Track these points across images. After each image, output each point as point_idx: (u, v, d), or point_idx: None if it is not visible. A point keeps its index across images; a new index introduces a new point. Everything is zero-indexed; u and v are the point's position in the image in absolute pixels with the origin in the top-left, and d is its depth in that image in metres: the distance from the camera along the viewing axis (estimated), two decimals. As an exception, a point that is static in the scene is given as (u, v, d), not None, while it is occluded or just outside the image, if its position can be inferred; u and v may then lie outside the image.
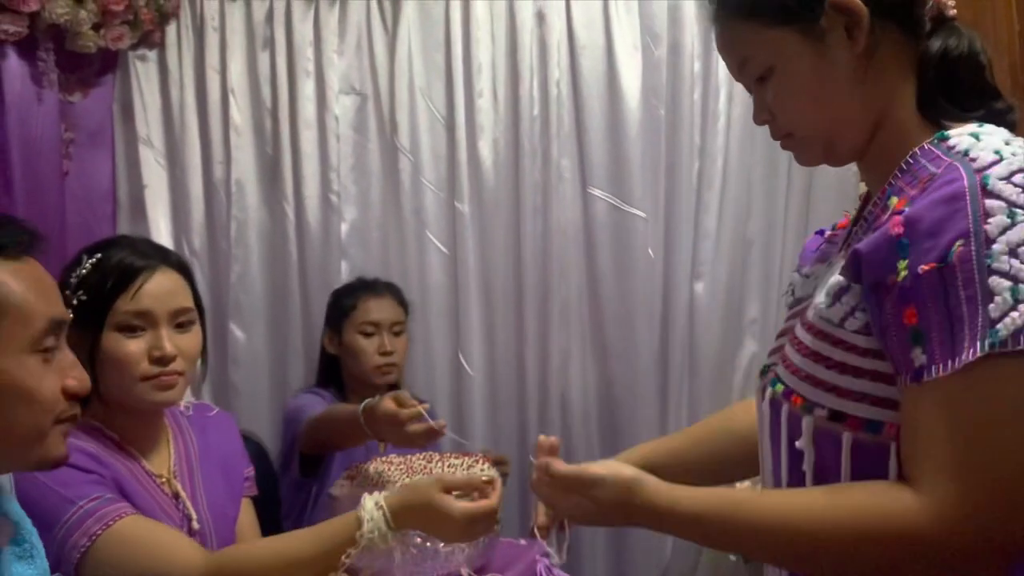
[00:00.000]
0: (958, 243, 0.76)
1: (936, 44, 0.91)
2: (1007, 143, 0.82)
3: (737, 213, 2.47)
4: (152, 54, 2.42)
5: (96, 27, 2.23)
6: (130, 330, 1.31)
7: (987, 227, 0.75)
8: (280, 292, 2.45)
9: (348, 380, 2.20)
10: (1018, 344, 0.73)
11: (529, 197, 2.44)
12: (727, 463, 1.18)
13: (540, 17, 2.44)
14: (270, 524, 1.93)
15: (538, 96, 2.44)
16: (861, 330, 0.84)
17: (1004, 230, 0.75)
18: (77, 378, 0.99)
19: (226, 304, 2.42)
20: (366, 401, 1.66)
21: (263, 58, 2.43)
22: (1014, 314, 0.73)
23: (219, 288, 2.43)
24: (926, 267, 0.77)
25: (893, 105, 0.91)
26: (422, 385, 2.45)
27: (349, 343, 2.16)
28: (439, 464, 1.66)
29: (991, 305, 0.74)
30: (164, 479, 1.38)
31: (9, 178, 2.20)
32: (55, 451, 0.98)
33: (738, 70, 0.98)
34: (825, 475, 0.87)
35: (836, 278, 0.87)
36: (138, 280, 1.32)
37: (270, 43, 2.43)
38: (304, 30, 2.42)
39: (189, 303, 1.38)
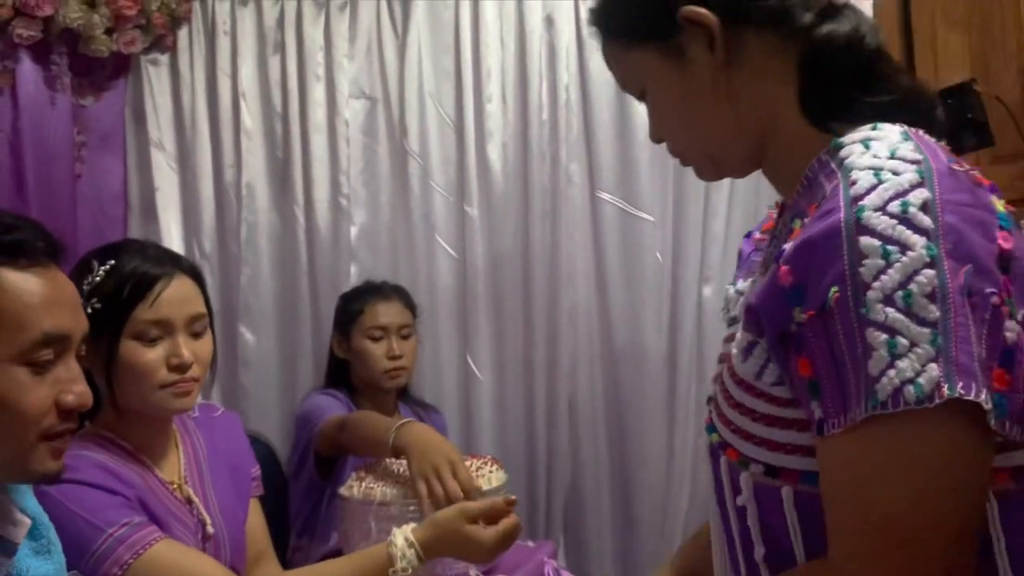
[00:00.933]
0: (833, 289, 0.69)
1: (820, 35, 0.82)
2: (893, 153, 0.72)
3: (745, 217, 2.47)
4: (164, 58, 2.43)
5: (109, 31, 2.26)
6: (148, 338, 1.31)
7: (861, 270, 0.67)
8: (290, 295, 2.46)
9: (357, 383, 2.21)
10: (897, 405, 0.66)
11: (538, 201, 2.44)
12: None
13: (549, 21, 2.45)
14: (278, 525, 1.95)
15: (547, 100, 2.45)
16: (778, 381, 0.77)
17: (878, 274, 0.67)
18: (76, 393, 0.95)
19: (236, 307, 2.43)
20: (395, 428, 1.63)
21: (274, 62, 2.45)
22: (891, 372, 0.66)
23: (229, 291, 2.44)
24: (807, 315, 0.71)
25: (777, 113, 0.84)
26: (430, 388, 2.45)
27: (357, 347, 2.17)
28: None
29: (870, 360, 0.67)
30: (176, 485, 1.38)
31: (22, 180, 2.23)
32: (41, 467, 0.94)
33: (623, 88, 0.95)
34: (772, 531, 0.81)
35: (744, 335, 0.80)
36: (156, 288, 1.31)
37: (281, 47, 2.44)
38: (315, 35, 2.43)
39: (203, 309, 1.38)
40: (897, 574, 0.68)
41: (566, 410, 2.48)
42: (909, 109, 0.81)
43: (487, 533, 1.31)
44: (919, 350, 0.66)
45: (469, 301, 2.46)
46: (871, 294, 0.67)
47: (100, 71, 2.37)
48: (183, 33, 2.42)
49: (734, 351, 0.82)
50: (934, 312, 0.66)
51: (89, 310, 1.29)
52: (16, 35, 2.16)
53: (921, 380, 0.66)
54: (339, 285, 2.41)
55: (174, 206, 2.45)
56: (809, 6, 0.83)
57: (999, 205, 0.72)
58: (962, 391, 0.65)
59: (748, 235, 1.04)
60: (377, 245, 2.48)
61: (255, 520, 1.51)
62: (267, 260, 2.46)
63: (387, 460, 1.67)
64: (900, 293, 0.67)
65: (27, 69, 2.23)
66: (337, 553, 1.64)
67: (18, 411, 0.91)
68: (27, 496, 1.02)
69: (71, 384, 0.95)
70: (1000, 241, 0.69)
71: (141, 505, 1.28)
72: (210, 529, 1.37)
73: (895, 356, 0.66)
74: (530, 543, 1.86)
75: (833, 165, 0.76)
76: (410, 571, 1.28)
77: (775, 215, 0.96)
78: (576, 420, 2.49)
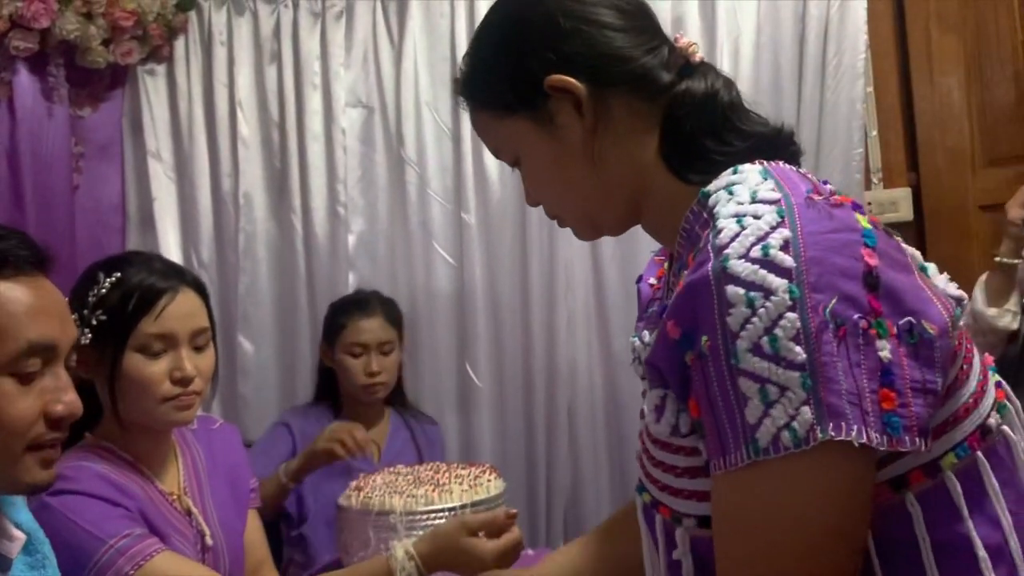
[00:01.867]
0: (704, 339, 0.71)
1: (678, 92, 0.85)
2: (753, 197, 0.74)
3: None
4: (161, 68, 2.44)
5: (106, 43, 2.26)
6: (151, 351, 1.31)
7: (729, 320, 0.69)
8: (288, 304, 2.46)
9: (343, 393, 2.21)
10: (778, 451, 0.68)
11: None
12: None
13: (545, 29, 2.45)
14: (274, 534, 1.95)
15: (543, 107, 2.44)
16: (692, 430, 0.78)
17: (745, 323, 0.69)
18: (64, 402, 0.94)
19: (234, 316, 2.43)
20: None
21: (270, 72, 2.45)
22: (767, 421, 0.68)
23: (227, 300, 2.44)
24: (690, 359, 0.73)
25: (646, 171, 0.86)
26: (429, 395, 2.45)
27: (339, 361, 2.17)
28: (446, 474, 1.67)
29: (746, 408, 0.69)
30: (175, 496, 1.38)
31: (20, 191, 2.23)
32: (29, 477, 0.93)
33: (496, 156, 0.96)
34: None
35: (653, 392, 0.81)
36: (161, 302, 1.31)
37: (277, 57, 2.45)
38: (311, 44, 2.44)
39: (206, 323, 1.38)
40: None
41: (565, 417, 2.48)
42: (763, 151, 0.83)
43: (488, 546, 1.30)
44: (791, 394, 0.68)
45: (467, 308, 2.46)
46: (740, 343, 0.69)
47: (97, 82, 2.37)
48: (179, 43, 2.43)
49: (647, 411, 0.83)
50: (801, 354, 0.68)
51: (94, 322, 1.30)
52: (13, 47, 2.16)
53: (795, 424, 0.68)
54: (337, 293, 2.41)
55: (172, 216, 2.46)
56: (668, 66, 0.86)
57: (863, 221, 0.73)
58: (832, 433, 0.67)
59: (640, 279, 1.05)
60: (375, 253, 2.48)
61: (254, 531, 1.52)
62: (265, 269, 2.47)
63: (384, 472, 1.67)
64: (766, 339, 0.68)
65: (24, 80, 2.23)
66: (336, 564, 1.64)
67: (4, 422, 0.90)
68: (21, 510, 1.01)
69: (59, 393, 0.94)
70: (866, 259, 0.70)
71: (142, 517, 1.29)
72: (209, 541, 1.37)
73: (768, 404, 0.68)
74: (530, 551, 1.85)
75: (705, 215, 0.78)
76: None
77: (665, 264, 0.98)
78: (576, 427, 2.48)
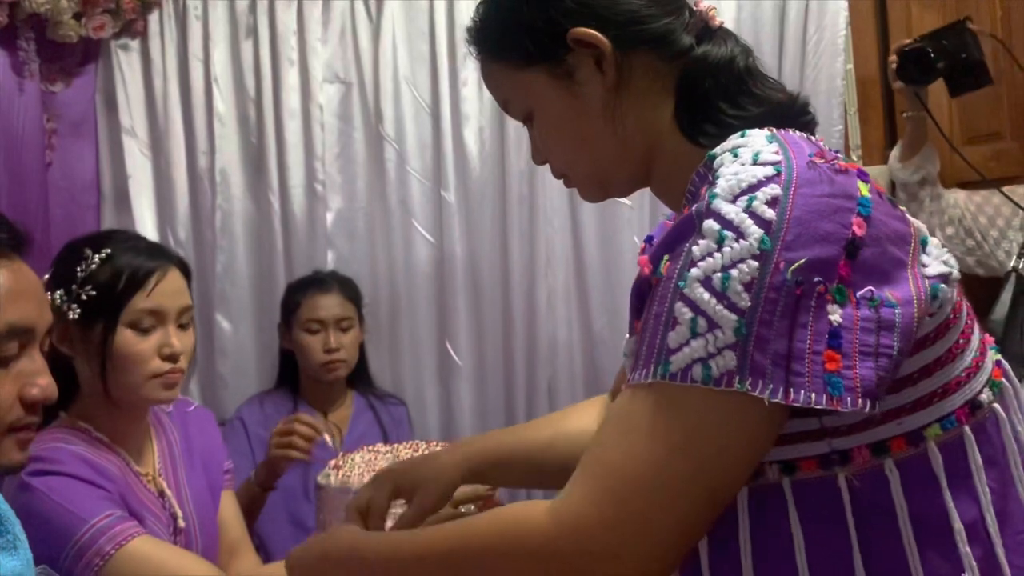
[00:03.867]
0: (665, 258, 0.74)
1: (696, 56, 0.86)
2: (755, 158, 0.74)
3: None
4: (135, 43, 2.41)
5: (77, 16, 2.22)
6: (142, 327, 1.33)
7: (695, 248, 0.71)
8: (266, 282, 2.44)
9: (303, 377, 2.20)
10: (685, 381, 0.69)
11: (515, 185, 2.43)
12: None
13: (525, 4, 2.43)
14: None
15: (523, 84, 2.43)
16: None
17: (706, 255, 0.70)
18: (40, 386, 0.94)
19: (212, 295, 2.41)
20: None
21: (246, 47, 2.42)
22: (685, 350, 0.69)
23: (205, 279, 2.42)
24: (644, 272, 0.76)
25: (660, 133, 0.87)
26: (410, 375, 2.45)
27: (297, 340, 2.16)
28: (425, 452, 1.66)
29: (671, 333, 0.71)
30: (150, 477, 1.39)
31: (-9, 169, 2.19)
32: (6, 459, 0.94)
33: (505, 110, 0.95)
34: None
35: (630, 340, 0.81)
36: (153, 278, 1.34)
37: (253, 32, 2.41)
38: (287, 19, 2.41)
39: (191, 301, 1.41)
40: (623, 522, 0.70)
41: (546, 395, 2.48)
42: (777, 118, 0.83)
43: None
44: (719, 333, 0.69)
45: (447, 287, 2.45)
46: (694, 271, 0.71)
47: (69, 57, 2.33)
48: (154, 18, 2.39)
49: (625, 361, 0.84)
50: (746, 301, 0.69)
51: (84, 297, 1.30)
52: (-19, 21, 2.12)
53: (712, 363, 0.69)
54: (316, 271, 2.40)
55: (147, 193, 2.43)
56: (688, 29, 0.87)
57: (864, 190, 0.74)
58: (749, 388, 0.68)
59: (648, 239, 1.02)
60: (354, 231, 2.47)
61: (229, 512, 1.53)
62: (243, 247, 2.44)
63: (364, 450, 1.67)
64: (719, 275, 0.70)
65: (-7, 55, 2.19)
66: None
67: None
68: (-10, 492, 1.01)
69: (35, 377, 0.94)
70: (854, 227, 0.71)
71: (121, 499, 1.29)
72: (181, 523, 1.38)
73: (694, 335, 0.70)
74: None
75: (710, 176, 0.78)
76: None
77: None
78: (556, 404, 2.48)
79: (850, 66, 2.48)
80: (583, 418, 1.15)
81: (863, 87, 2.53)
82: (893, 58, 2.01)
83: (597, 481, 0.72)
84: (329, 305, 2.15)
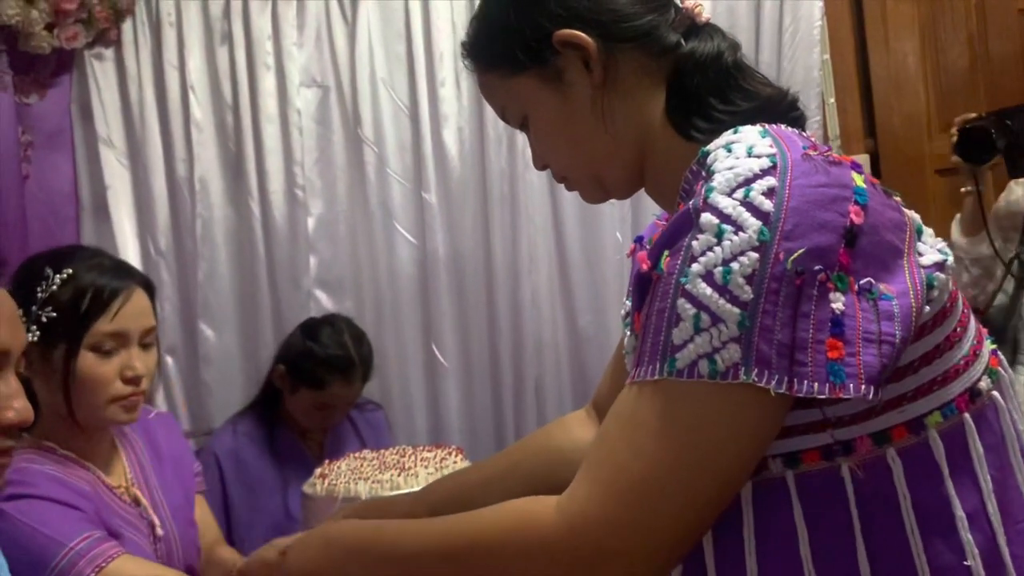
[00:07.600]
0: (665, 253, 0.74)
1: (684, 52, 0.87)
2: (749, 152, 0.74)
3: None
4: (109, 52, 2.39)
5: (49, 27, 2.20)
6: (103, 350, 1.30)
7: (694, 243, 0.71)
8: (249, 289, 2.43)
9: (286, 415, 2.14)
10: (692, 376, 0.70)
11: (496, 185, 2.43)
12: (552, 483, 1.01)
13: (500, 3, 2.42)
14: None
15: (501, 83, 2.42)
16: None
17: (706, 249, 0.71)
18: (16, 409, 0.92)
19: (195, 303, 2.40)
20: None
21: (222, 53, 2.41)
22: (690, 346, 0.70)
23: (187, 288, 2.41)
24: (644, 268, 0.76)
25: (651, 130, 0.88)
26: (395, 378, 2.44)
27: (301, 405, 2.08)
28: (412, 457, 1.66)
29: (675, 329, 0.71)
30: (123, 488, 1.37)
31: (-34, 184, 2.18)
32: None
33: (503, 118, 0.97)
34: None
35: (630, 337, 0.82)
36: (117, 301, 1.30)
37: (228, 38, 2.40)
38: (262, 23, 2.39)
39: (154, 322, 1.37)
40: (631, 522, 0.71)
41: (533, 393, 2.48)
42: (768, 114, 0.84)
43: None
44: (723, 327, 0.69)
45: (431, 289, 2.44)
46: (695, 266, 0.71)
47: (43, 68, 2.31)
48: (127, 26, 2.38)
49: (626, 359, 0.84)
50: (748, 294, 0.69)
51: (44, 319, 1.27)
52: (-49, 34, 2.10)
53: (717, 357, 0.69)
54: (298, 277, 2.39)
55: (126, 203, 2.42)
56: (674, 26, 0.88)
57: (858, 180, 0.74)
58: (756, 378, 0.68)
59: (638, 239, 1.04)
60: (335, 235, 2.46)
61: (203, 514, 1.53)
62: (224, 255, 2.43)
63: (350, 457, 1.66)
64: (720, 269, 0.70)
65: (-35, 69, 2.17)
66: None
67: None
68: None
69: (10, 400, 0.92)
70: (852, 216, 0.71)
71: (97, 516, 1.27)
72: (159, 531, 1.37)
73: (697, 330, 0.70)
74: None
75: (704, 173, 0.78)
76: None
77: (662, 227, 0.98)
78: (543, 403, 2.48)
79: (826, 56, 2.48)
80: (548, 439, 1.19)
81: (840, 77, 2.54)
82: (954, 131, 1.93)
83: (605, 481, 0.72)
84: (348, 395, 2.09)
